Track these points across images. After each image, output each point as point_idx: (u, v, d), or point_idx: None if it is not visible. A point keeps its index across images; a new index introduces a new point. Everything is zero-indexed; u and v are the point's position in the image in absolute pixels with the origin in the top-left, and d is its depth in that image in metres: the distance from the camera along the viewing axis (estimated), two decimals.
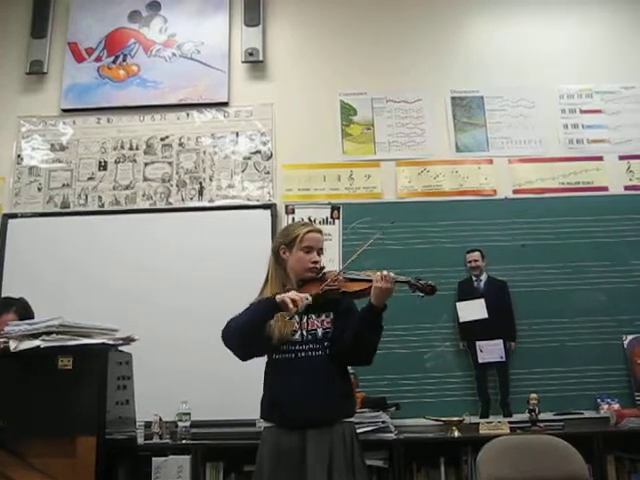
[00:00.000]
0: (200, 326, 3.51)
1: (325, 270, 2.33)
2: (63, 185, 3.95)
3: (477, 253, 3.65)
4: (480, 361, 3.52)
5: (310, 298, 2.12)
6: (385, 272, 2.18)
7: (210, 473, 3.21)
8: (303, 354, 2.24)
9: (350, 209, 3.81)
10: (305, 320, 2.27)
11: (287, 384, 2.22)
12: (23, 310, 2.88)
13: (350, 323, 2.25)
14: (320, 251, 2.35)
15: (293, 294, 2.12)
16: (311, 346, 2.25)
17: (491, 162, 3.93)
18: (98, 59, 4.16)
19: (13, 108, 4.09)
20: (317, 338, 2.26)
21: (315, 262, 2.31)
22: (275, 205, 3.85)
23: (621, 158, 3.92)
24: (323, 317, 2.29)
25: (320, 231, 2.40)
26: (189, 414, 3.28)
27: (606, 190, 3.86)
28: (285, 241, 2.34)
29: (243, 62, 4.09)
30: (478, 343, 3.53)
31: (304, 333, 2.26)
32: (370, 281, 2.22)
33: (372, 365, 2.37)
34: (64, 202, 3.92)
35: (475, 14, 4.20)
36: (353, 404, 2.39)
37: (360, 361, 2.36)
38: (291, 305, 2.08)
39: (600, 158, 3.92)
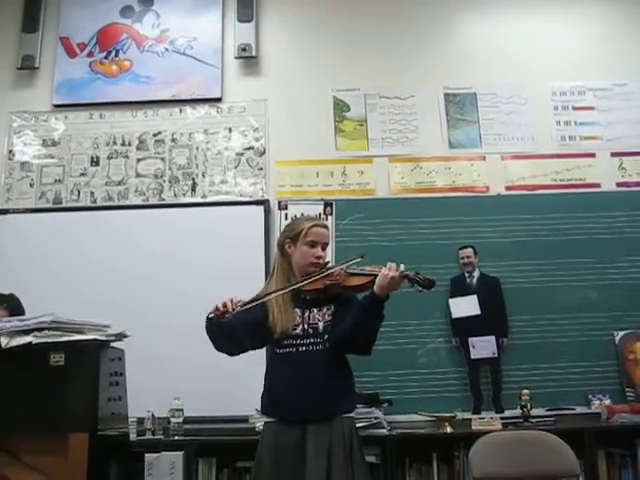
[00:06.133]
0: (193, 322, 3.51)
1: (330, 265, 2.35)
2: (55, 181, 3.93)
3: (470, 249, 3.66)
4: (472, 357, 3.53)
5: (243, 301, 2.17)
6: (394, 263, 2.18)
7: (203, 469, 3.20)
8: (303, 348, 2.26)
9: (343, 205, 3.81)
10: (307, 314, 2.29)
11: (286, 379, 2.23)
12: (13, 306, 2.87)
13: (350, 312, 2.26)
14: (325, 246, 2.36)
15: (225, 299, 2.17)
16: (312, 340, 2.26)
17: (484, 159, 3.93)
18: (90, 54, 4.13)
19: (4, 103, 4.06)
20: (318, 332, 2.27)
21: (319, 257, 2.32)
22: (268, 201, 3.84)
23: (613, 155, 3.93)
24: (324, 310, 2.31)
25: (325, 226, 2.42)
26: (182, 410, 3.27)
27: (598, 187, 3.86)
28: (290, 235, 2.36)
29: (236, 58, 4.08)
30: (470, 339, 3.54)
31: (305, 327, 2.28)
32: (373, 275, 2.22)
33: (364, 360, 2.38)
34: (56, 198, 3.90)
35: (468, 11, 4.20)
36: (353, 399, 2.38)
37: (358, 350, 2.31)
38: (220, 306, 2.15)
39: (592, 155, 3.93)
